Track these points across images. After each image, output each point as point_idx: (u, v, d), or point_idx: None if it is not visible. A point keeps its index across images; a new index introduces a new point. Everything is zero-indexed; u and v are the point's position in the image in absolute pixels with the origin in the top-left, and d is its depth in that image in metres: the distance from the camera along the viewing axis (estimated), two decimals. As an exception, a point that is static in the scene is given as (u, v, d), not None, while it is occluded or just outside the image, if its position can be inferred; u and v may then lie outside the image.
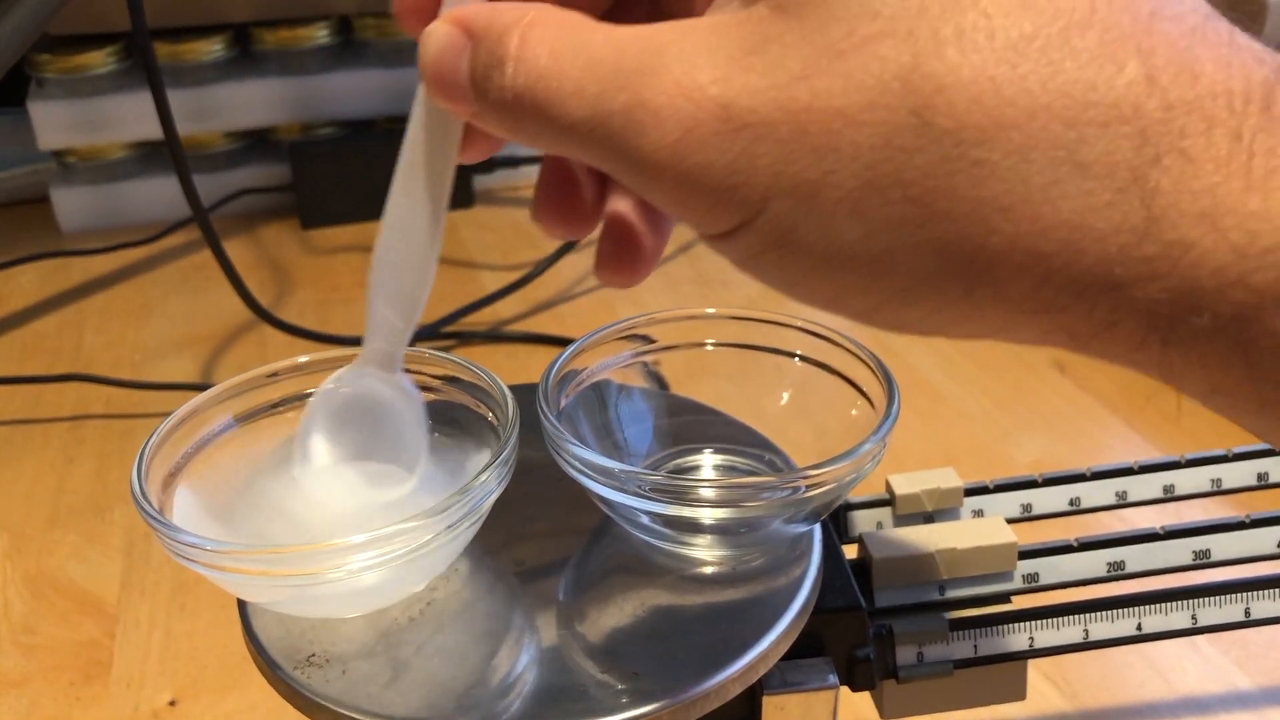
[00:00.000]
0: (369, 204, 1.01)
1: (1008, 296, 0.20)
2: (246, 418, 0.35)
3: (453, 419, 0.35)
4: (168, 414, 0.33)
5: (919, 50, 0.19)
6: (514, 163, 1.06)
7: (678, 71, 0.20)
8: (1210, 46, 0.19)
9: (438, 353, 0.35)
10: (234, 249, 0.91)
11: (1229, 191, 0.18)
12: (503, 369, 0.34)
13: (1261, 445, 0.41)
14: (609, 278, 0.29)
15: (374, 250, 0.28)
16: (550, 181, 0.29)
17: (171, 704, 0.52)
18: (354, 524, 0.33)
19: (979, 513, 0.41)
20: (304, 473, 0.32)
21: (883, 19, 0.19)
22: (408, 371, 0.36)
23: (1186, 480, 0.41)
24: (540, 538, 0.34)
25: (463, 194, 1.04)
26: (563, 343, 0.81)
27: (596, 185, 0.29)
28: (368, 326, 0.30)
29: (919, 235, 0.19)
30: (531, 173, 1.08)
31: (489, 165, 1.05)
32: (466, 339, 0.82)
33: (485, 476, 0.29)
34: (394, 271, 0.29)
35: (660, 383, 0.39)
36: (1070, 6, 0.19)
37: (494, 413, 0.33)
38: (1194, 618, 0.38)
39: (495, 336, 0.83)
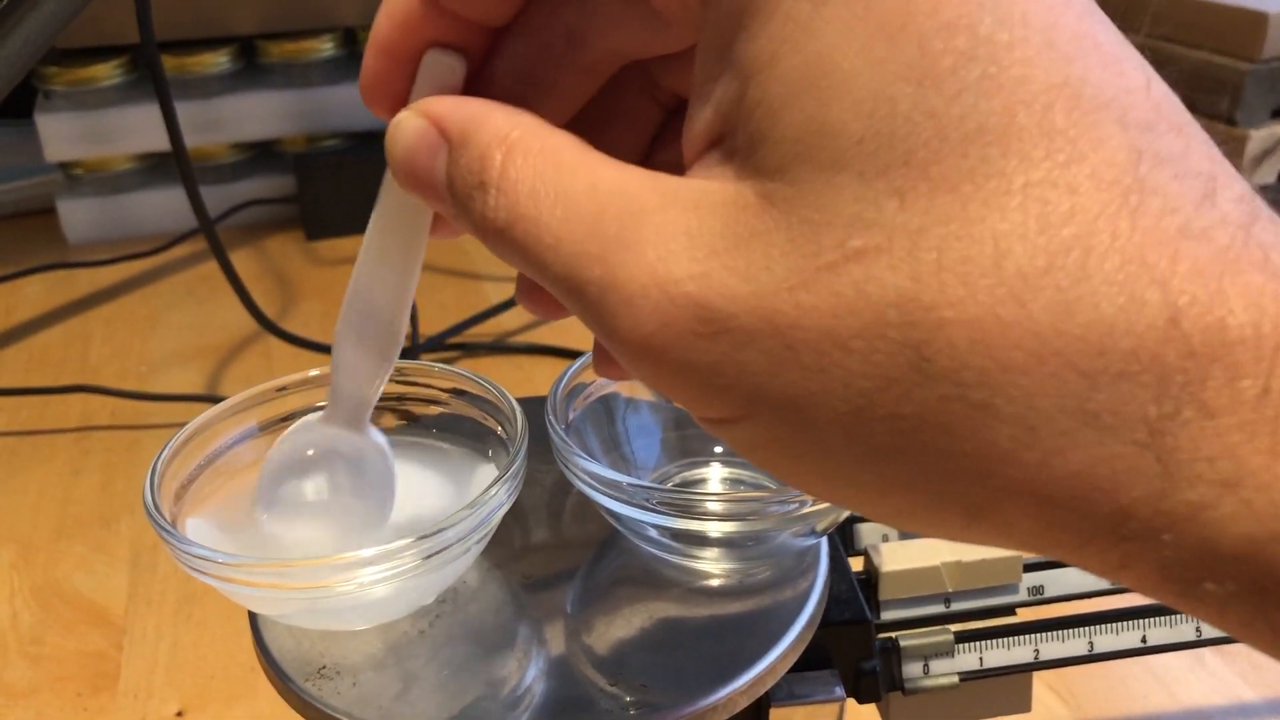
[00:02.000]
0: (374, 215, 1.01)
1: (1012, 534, 0.18)
2: (257, 431, 0.35)
3: (460, 431, 0.35)
4: (173, 425, 0.33)
5: (919, 276, 0.17)
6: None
7: (652, 256, 0.19)
8: (1241, 274, 0.17)
9: (446, 366, 0.36)
10: (239, 260, 0.92)
11: (1252, 453, 0.16)
12: (507, 380, 0.35)
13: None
14: (529, 308, 0.28)
15: (341, 307, 0.28)
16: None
17: (179, 715, 0.52)
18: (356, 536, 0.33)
19: (984, 525, 0.41)
20: (268, 521, 0.31)
21: (879, 231, 0.17)
22: (414, 384, 0.36)
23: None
24: (548, 550, 0.34)
25: (467, 205, 1.04)
26: (567, 354, 0.81)
27: None
28: (333, 385, 0.30)
29: (914, 468, 0.18)
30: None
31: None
32: (471, 350, 0.83)
33: (495, 491, 0.29)
34: (359, 335, 0.28)
35: (666, 396, 0.39)
36: (1089, 230, 0.17)
37: (502, 426, 0.34)
38: (1199, 630, 0.38)
39: (500, 348, 0.83)
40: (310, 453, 0.31)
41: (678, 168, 0.21)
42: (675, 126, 0.26)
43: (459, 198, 0.21)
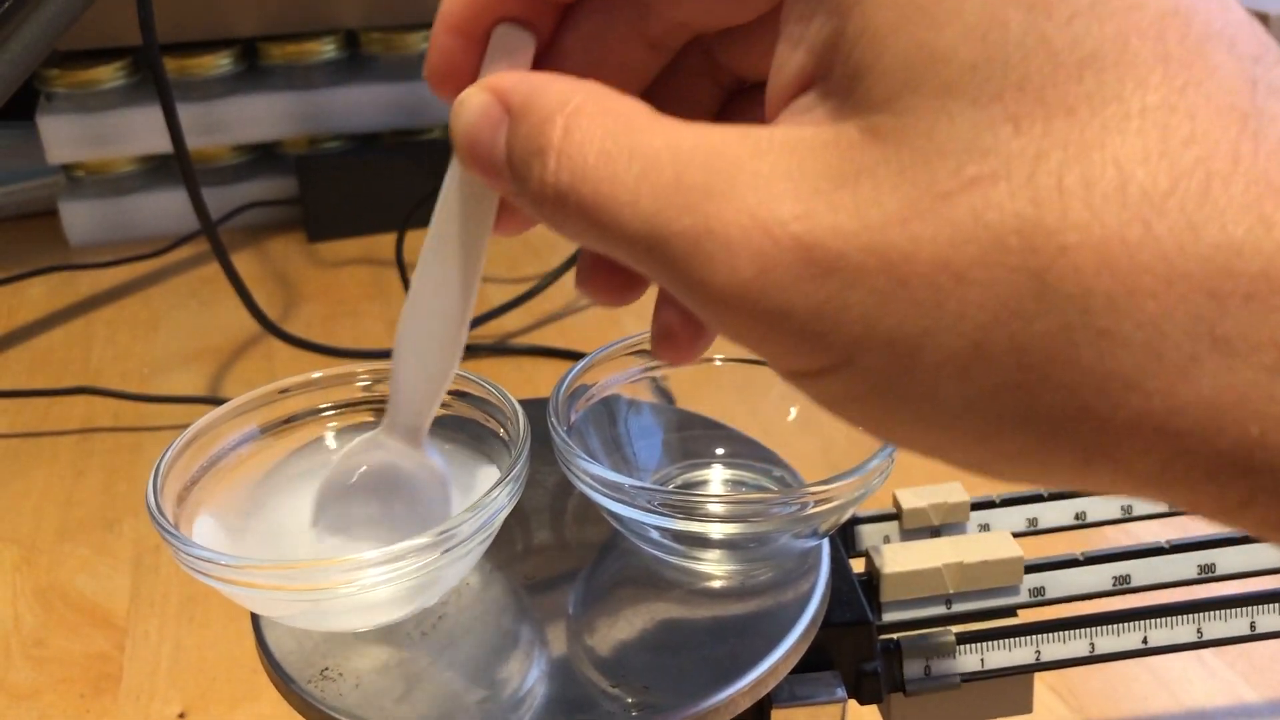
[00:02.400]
0: (376, 217, 1.01)
1: (1130, 472, 0.18)
2: (259, 433, 0.35)
3: (462, 433, 0.35)
4: (176, 427, 0.33)
5: (1040, 201, 0.17)
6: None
7: (752, 200, 0.18)
8: None
9: (449, 368, 0.36)
10: (241, 262, 0.92)
11: None
12: (509, 382, 0.35)
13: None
14: (664, 357, 0.27)
15: (401, 317, 0.27)
16: (595, 256, 0.26)
17: (181, 716, 0.52)
18: (358, 537, 0.33)
19: (985, 527, 0.41)
20: (320, 542, 0.31)
21: (996, 158, 0.17)
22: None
23: (1192, 494, 0.41)
24: (550, 552, 0.34)
25: (469, 207, 1.04)
26: (569, 356, 0.81)
27: None
28: (392, 397, 0.29)
29: (1033, 405, 0.17)
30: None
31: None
32: (473, 352, 0.83)
33: (497, 493, 0.29)
34: (421, 344, 0.27)
35: (668, 397, 0.39)
36: (1210, 153, 0.16)
37: (504, 428, 0.34)
38: (1199, 631, 0.38)
39: (502, 350, 0.83)
40: (367, 470, 0.31)
41: None
42: (735, 108, 0.27)
43: (517, 168, 0.21)
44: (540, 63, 0.24)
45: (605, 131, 0.20)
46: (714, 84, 0.26)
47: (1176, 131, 0.17)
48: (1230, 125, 0.17)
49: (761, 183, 0.18)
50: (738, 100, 0.27)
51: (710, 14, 0.24)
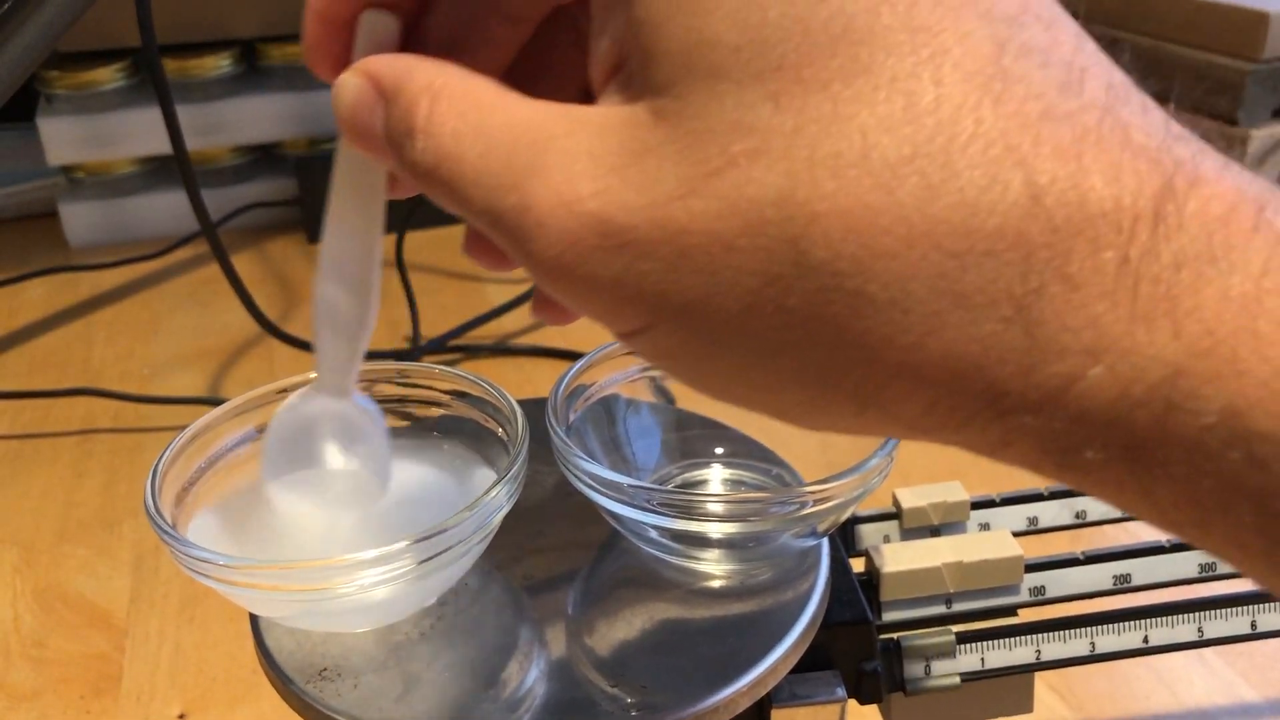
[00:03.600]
0: (375, 218, 1.01)
1: (898, 417, 0.19)
2: (258, 434, 0.35)
3: (460, 433, 0.35)
4: (176, 428, 0.33)
5: (793, 173, 0.18)
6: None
7: (559, 178, 0.20)
8: (1104, 152, 0.17)
9: (446, 368, 0.36)
10: (241, 263, 0.92)
11: (1114, 321, 0.17)
12: (508, 382, 0.35)
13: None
14: (542, 318, 0.29)
15: (314, 283, 0.29)
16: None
17: (181, 717, 0.52)
18: (366, 532, 0.33)
19: (985, 526, 0.41)
20: (274, 493, 0.31)
21: (755, 135, 0.18)
22: (415, 386, 0.36)
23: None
24: (549, 552, 0.34)
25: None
26: (568, 356, 0.81)
27: None
28: (317, 358, 0.30)
29: (804, 360, 0.19)
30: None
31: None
32: (472, 353, 0.83)
33: (495, 493, 0.29)
34: (334, 303, 0.29)
35: (667, 397, 0.39)
36: (953, 118, 0.18)
37: (503, 428, 0.34)
38: (1200, 630, 0.38)
39: (501, 350, 0.83)
40: (301, 425, 0.31)
41: None
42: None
43: (394, 145, 0.22)
44: (407, 44, 0.26)
45: (458, 112, 0.21)
46: (582, 51, 0.27)
47: (921, 99, 0.18)
48: (973, 90, 0.18)
49: (568, 160, 0.20)
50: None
51: None
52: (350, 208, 0.28)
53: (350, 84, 0.23)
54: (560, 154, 0.20)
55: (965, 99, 0.18)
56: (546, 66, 0.27)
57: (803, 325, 0.18)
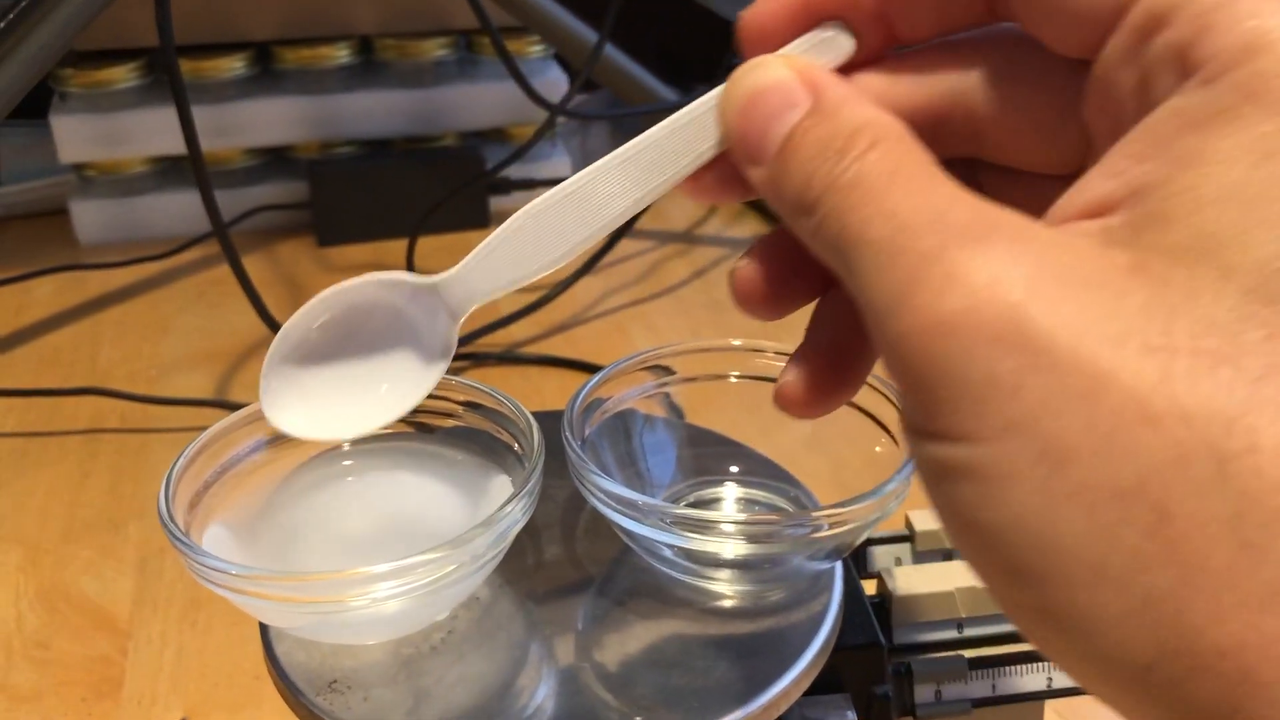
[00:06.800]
0: (386, 223, 1.01)
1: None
2: (272, 441, 0.35)
3: (473, 444, 0.35)
4: (183, 429, 0.33)
5: (1253, 402, 0.16)
6: (529, 185, 1.06)
7: (999, 253, 0.18)
8: None
9: (461, 379, 0.35)
10: (250, 265, 0.92)
11: None
12: (516, 392, 0.34)
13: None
14: (794, 411, 0.28)
15: (542, 197, 0.26)
16: (772, 255, 0.27)
17: (182, 722, 0.52)
18: (368, 548, 0.33)
19: (998, 550, 0.40)
20: (310, 375, 0.29)
21: (1235, 348, 0.17)
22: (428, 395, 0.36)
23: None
24: (560, 566, 0.34)
25: (478, 215, 1.04)
26: (576, 366, 0.81)
27: (815, 287, 0.27)
28: (468, 258, 0.27)
29: (1132, 570, 0.17)
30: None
31: (504, 186, 1.05)
32: (481, 360, 0.82)
33: (510, 508, 0.29)
34: (544, 228, 0.26)
35: (677, 413, 0.39)
36: None
37: (518, 441, 0.34)
38: (1212, 661, 0.38)
39: (509, 359, 0.83)
40: (375, 302, 0.29)
41: None
42: (977, 182, 0.26)
43: (799, 155, 0.22)
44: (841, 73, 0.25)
45: (900, 160, 0.21)
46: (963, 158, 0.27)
47: None
48: None
49: (1016, 250, 0.18)
50: (985, 174, 0.27)
51: (1035, 160, 0.25)
52: (643, 160, 0.26)
53: (775, 70, 0.23)
54: (1008, 239, 0.19)
55: None
56: None
57: (1171, 539, 0.16)
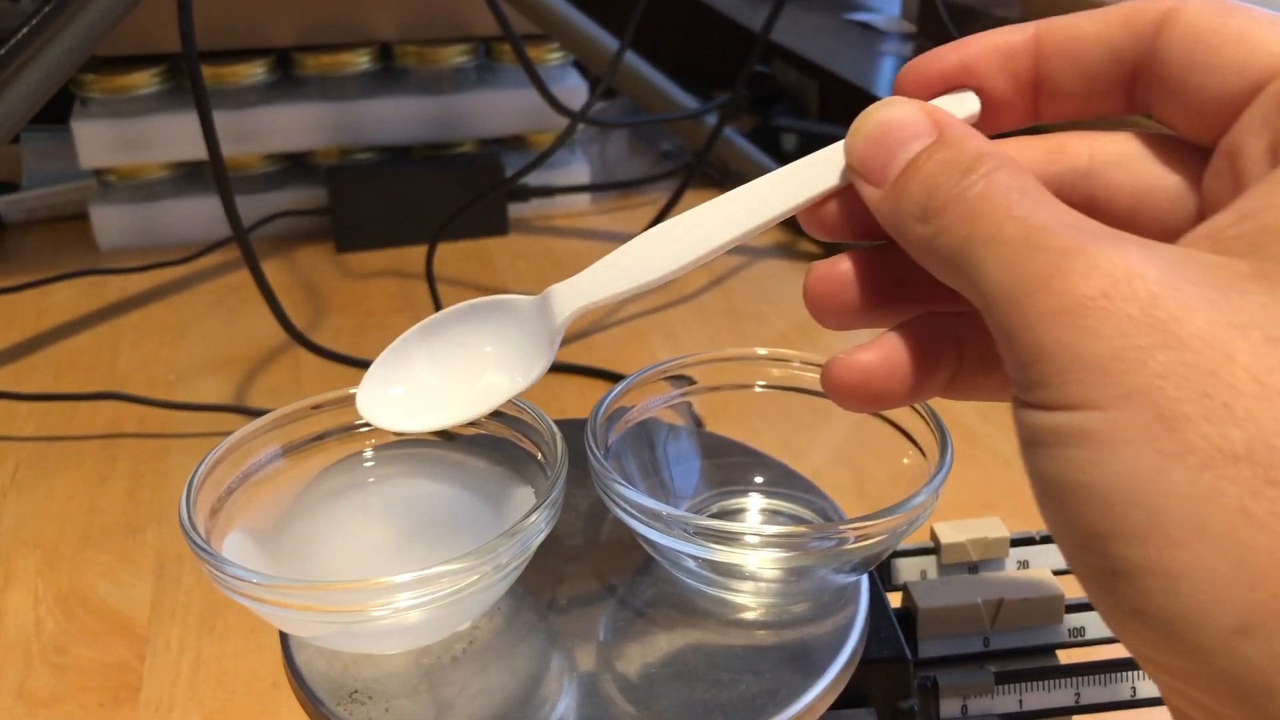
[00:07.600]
0: (405, 229, 1.01)
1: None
2: (291, 449, 0.34)
3: (496, 452, 0.35)
4: (201, 435, 0.33)
5: None
6: (548, 192, 1.06)
7: (1131, 245, 0.20)
8: None
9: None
10: (269, 271, 0.92)
11: None
12: (534, 398, 0.34)
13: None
14: (850, 403, 0.28)
15: (689, 212, 0.28)
16: (871, 263, 0.28)
17: (199, 729, 0.52)
18: (390, 557, 0.33)
19: (1024, 564, 0.40)
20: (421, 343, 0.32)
21: None
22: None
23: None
24: (583, 577, 0.34)
25: (497, 222, 1.04)
26: (593, 373, 0.80)
27: (903, 299, 0.28)
28: (598, 266, 0.29)
29: (1224, 538, 0.17)
30: (566, 202, 1.08)
31: (523, 193, 1.05)
32: (499, 367, 0.82)
33: (534, 518, 0.29)
34: (659, 244, 0.28)
35: (697, 422, 0.38)
36: None
37: (541, 451, 0.33)
38: (1243, 678, 0.37)
39: (528, 365, 0.83)
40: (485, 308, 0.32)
41: None
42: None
43: (922, 173, 0.23)
44: None
45: (1023, 181, 0.22)
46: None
47: None
48: None
49: (1149, 247, 0.20)
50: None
51: (1146, 232, 0.26)
52: (758, 194, 0.27)
53: (905, 108, 0.25)
54: (1136, 245, 0.20)
55: None
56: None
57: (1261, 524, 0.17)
